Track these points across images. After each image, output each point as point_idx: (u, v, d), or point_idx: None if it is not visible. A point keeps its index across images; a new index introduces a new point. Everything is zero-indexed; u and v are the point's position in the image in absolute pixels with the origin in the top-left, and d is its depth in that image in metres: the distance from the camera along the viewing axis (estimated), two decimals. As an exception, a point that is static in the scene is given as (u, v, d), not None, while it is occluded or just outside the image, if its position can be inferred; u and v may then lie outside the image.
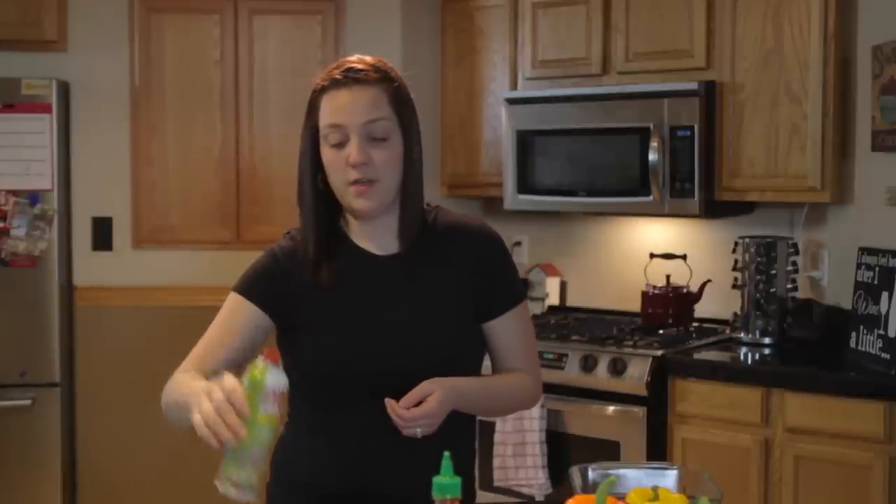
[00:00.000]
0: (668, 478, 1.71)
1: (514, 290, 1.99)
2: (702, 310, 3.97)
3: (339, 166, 1.84)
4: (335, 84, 1.85)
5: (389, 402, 1.75)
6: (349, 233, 1.93)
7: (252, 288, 1.91)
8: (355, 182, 1.84)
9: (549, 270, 4.43)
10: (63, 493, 4.21)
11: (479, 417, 2.03)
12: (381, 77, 1.86)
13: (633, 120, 3.74)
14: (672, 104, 3.67)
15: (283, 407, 1.60)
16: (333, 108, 1.84)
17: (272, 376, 1.59)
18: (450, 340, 1.89)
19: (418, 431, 1.76)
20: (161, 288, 4.28)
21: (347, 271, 1.89)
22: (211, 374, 1.77)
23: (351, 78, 1.84)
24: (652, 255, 4.06)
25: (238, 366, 1.83)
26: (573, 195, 3.93)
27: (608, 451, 3.49)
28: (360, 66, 1.86)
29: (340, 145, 1.84)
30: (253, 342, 1.89)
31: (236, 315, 1.90)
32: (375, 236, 1.92)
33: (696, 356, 3.57)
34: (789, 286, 3.72)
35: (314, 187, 1.89)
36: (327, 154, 1.86)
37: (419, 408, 1.75)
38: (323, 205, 1.90)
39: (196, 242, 4.29)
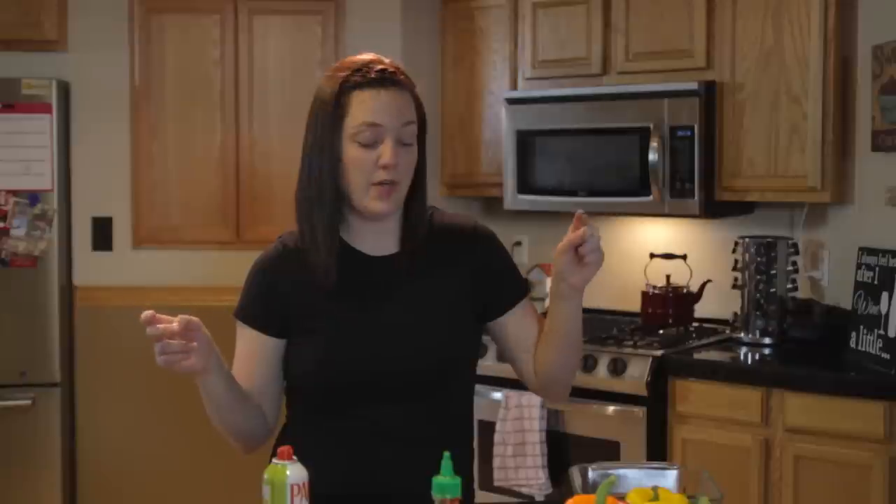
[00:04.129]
0: (668, 478, 1.71)
1: (518, 283, 2.00)
2: (702, 310, 3.97)
3: (365, 166, 1.83)
4: (371, 83, 1.83)
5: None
6: (344, 233, 1.92)
7: (250, 314, 1.92)
8: (381, 183, 1.83)
9: (550, 270, 4.41)
10: (63, 493, 4.20)
11: (478, 417, 2.03)
12: (409, 82, 1.88)
13: (633, 120, 3.74)
14: (672, 104, 3.67)
15: (308, 496, 1.61)
16: (372, 108, 1.82)
17: (291, 472, 1.60)
18: (447, 341, 1.89)
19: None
20: (161, 288, 4.27)
21: (344, 273, 1.89)
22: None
23: (388, 79, 1.84)
24: (652, 255, 4.06)
25: (274, 378, 1.91)
26: (573, 195, 3.93)
27: (608, 451, 3.49)
28: (391, 69, 1.86)
29: (372, 145, 1.83)
30: (277, 362, 1.91)
31: (249, 344, 1.91)
32: (373, 237, 1.91)
33: (696, 356, 3.57)
34: (789, 286, 3.72)
35: (332, 185, 1.86)
36: (353, 152, 1.84)
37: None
38: (339, 204, 1.88)
39: (196, 242, 4.29)
